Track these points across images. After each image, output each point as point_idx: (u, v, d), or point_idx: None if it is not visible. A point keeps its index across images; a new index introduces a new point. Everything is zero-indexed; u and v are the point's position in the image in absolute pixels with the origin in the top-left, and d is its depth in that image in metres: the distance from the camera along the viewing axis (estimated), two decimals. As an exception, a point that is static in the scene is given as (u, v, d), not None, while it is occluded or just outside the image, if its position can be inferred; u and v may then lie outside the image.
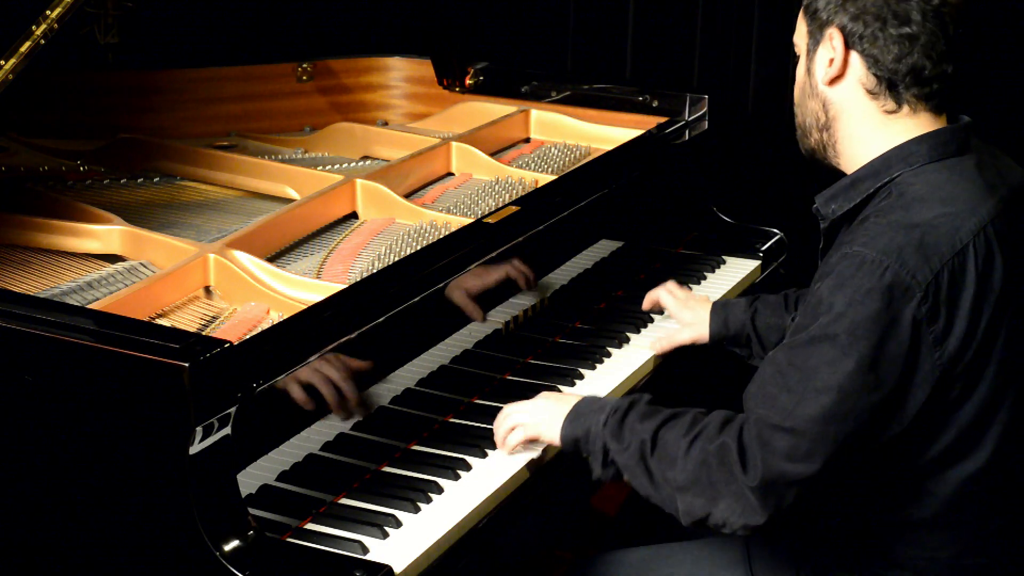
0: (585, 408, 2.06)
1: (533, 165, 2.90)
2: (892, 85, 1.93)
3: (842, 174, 2.03)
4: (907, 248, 1.82)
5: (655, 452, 1.95)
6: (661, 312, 2.66)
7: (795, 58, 2.06)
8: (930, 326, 1.82)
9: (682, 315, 2.57)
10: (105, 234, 2.39)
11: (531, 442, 2.12)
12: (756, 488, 1.84)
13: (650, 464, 1.95)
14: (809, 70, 2.00)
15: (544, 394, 2.16)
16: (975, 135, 1.99)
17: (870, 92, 1.95)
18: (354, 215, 2.63)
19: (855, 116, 1.97)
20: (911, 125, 1.95)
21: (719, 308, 2.54)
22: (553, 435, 2.07)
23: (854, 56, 1.94)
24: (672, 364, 2.58)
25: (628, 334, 2.57)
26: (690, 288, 2.80)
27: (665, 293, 2.60)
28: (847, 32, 1.93)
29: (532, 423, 2.09)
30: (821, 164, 2.06)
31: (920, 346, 1.82)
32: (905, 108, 1.94)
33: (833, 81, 1.96)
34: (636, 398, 2.05)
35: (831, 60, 1.96)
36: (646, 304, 2.64)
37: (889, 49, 1.91)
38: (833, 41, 1.94)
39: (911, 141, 1.94)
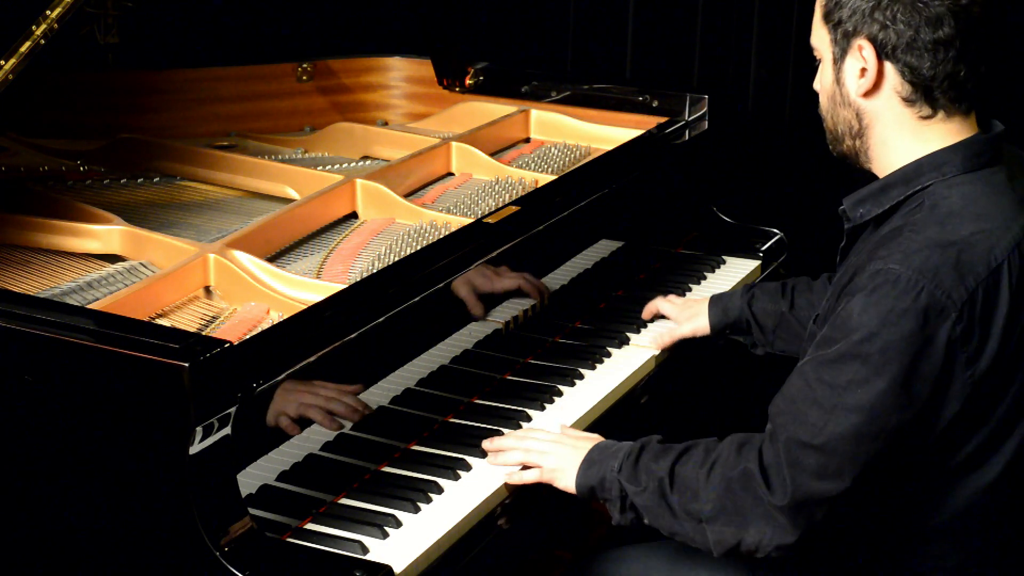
0: (598, 455, 2.04)
1: (533, 165, 2.90)
2: (928, 91, 1.89)
3: (874, 176, 2.00)
4: (943, 268, 1.79)
5: (674, 488, 1.94)
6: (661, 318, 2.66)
7: (813, 61, 2.02)
8: (964, 346, 1.80)
9: (682, 315, 2.59)
10: (105, 234, 2.39)
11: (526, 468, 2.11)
12: (785, 507, 1.83)
13: (671, 501, 1.94)
14: (838, 80, 1.95)
15: (559, 436, 2.13)
16: (1006, 141, 1.97)
17: (906, 100, 1.91)
18: (354, 215, 2.63)
19: (890, 124, 1.93)
20: (944, 131, 1.91)
21: (716, 299, 2.56)
22: (568, 483, 2.06)
23: (888, 66, 1.90)
24: (673, 364, 2.58)
25: (628, 334, 2.57)
26: (690, 288, 2.81)
27: (663, 301, 2.62)
28: (879, 43, 1.88)
29: (547, 467, 2.07)
30: (853, 167, 2.03)
31: (953, 366, 1.80)
32: (940, 113, 1.91)
33: (868, 93, 1.92)
34: (647, 440, 2.04)
35: (862, 70, 1.91)
36: (646, 314, 2.63)
37: (924, 57, 1.86)
38: (864, 52, 1.90)
39: (945, 150, 1.90)
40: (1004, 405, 1.86)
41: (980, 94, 1.93)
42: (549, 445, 2.10)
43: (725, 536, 1.89)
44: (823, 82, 2.00)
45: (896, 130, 1.93)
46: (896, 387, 1.78)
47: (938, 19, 1.85)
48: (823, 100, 2.01)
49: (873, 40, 1.89)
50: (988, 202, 1.88)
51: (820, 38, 1.98)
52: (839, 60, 1.95)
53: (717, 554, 1.91)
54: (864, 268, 1.86)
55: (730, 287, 2.83)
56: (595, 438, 2.11)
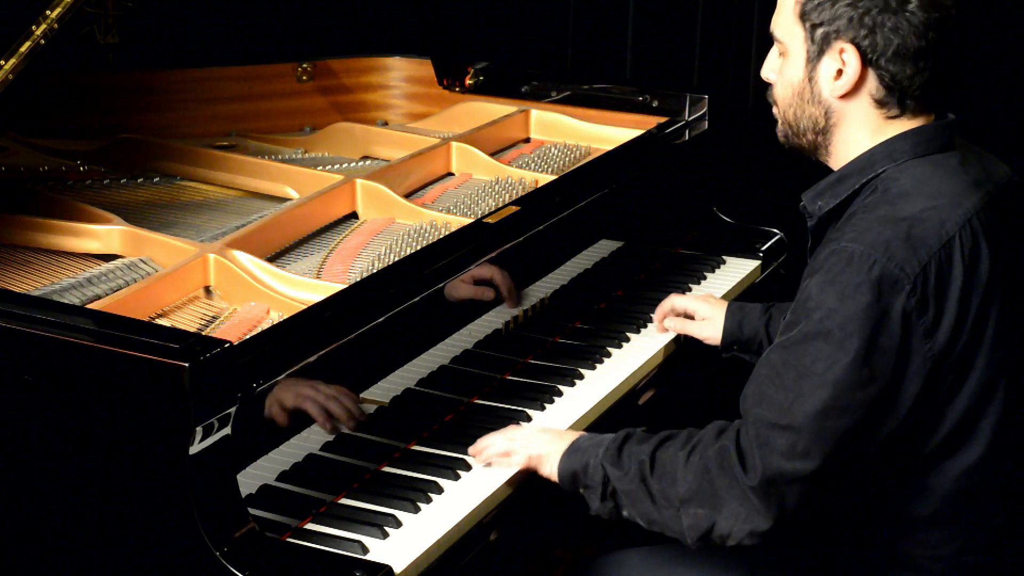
0: (584, 443, 2.06)
1: (533, 165, 2.90)
2: (902, 96, 1.93)
3: (828, 169, 2.04)
4: (894, 241, 1.83)
5: (654, 471, 1.95)
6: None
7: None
8: (920, 318, 1.83)
9: (700, 308, 2.57)
10: (105, 234, 2.39)
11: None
12: (756, 488, 1.85)
13: (651, 484, 1.95)
14: (811, 78, 1.97)
15: (543, 428, 2.16)
16: (959, 134, 2.00)
17: (878, 102, 1.94)
18: (354, 215, 2.63)
19: (857, 123, 1.97)
20: (904, 126, 1.95)
21: (735, 309, 2.53)
22: (551, 470, 2.07)
23: (869, 71, 1.92)
24: (674, 364, 2.58)
25: (628, 334, 2.57)
26: (690, 288, 2.81)
27: (675, 301, 2.59)
28: (863, 49, 1.90)
29: (532, 454, 2.08)
30: (808, 160, 2.06)
31: (911, 338, 1.83)
32: (907, 114, 1.95)
33: (844, 95, 1.95)
34: (632, 430, 2.05)
35: (839, 72, 1.93)
36: (670, 325, 2.59)
37: (907, 65, 1.90)
38: (845, 55, 1.92)
39: (896, 137, 1.95)
40: (971, 384, 1.89)
41: (944, 97, 1.96)
42: (533, 434, 2.12)
43: (698, 519, 1.90)
44: (788, 76, 2.01)
45: (862, 128, 1.97)
46: (858, 361, 1.81)
47: (925, 28, 1.88)
48: (784, 92, 2.02)
49: (858, 45, 1.91)
50: (939, 182, 1.92)
51: (789, 32, 1.98)
52: (814, 59, 1.96)
53: (691, 540, 1.93)
54: (821, 252, 1.89)
55: (730, 287, 2.84)
56: (579, 432, 2.13)
